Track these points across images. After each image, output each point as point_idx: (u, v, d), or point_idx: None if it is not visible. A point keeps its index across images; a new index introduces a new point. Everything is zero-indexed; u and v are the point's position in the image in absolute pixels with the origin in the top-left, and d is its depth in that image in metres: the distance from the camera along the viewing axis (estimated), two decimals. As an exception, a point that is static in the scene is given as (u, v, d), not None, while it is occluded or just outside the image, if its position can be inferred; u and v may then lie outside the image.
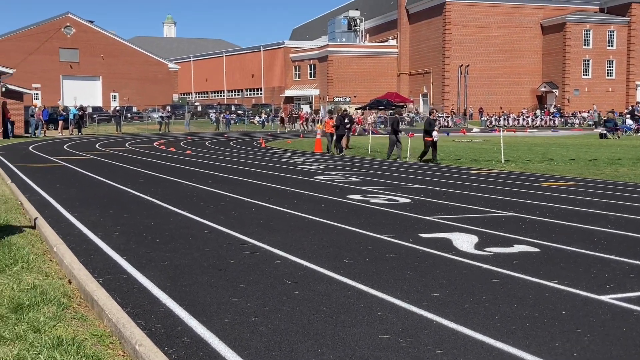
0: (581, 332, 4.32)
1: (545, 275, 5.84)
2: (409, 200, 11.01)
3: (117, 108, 58.08)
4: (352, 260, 6.39)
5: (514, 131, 35.35)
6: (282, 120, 57.31)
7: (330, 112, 29.20)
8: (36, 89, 63.71)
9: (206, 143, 33.71)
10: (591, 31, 77.42)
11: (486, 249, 6.94)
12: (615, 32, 78.04)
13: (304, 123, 60.30)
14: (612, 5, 79.19)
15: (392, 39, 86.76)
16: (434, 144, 21.06)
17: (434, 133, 20.94)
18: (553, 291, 5.32)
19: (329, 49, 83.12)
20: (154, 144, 31.20)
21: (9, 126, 36.51)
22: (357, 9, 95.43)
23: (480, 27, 76.34)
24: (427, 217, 9.16)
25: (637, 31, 77.51)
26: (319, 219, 8.94)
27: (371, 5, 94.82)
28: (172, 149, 27.26)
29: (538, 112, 73.17)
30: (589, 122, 62.60)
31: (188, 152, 25.47)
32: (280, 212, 9.52)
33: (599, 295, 5.17)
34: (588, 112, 70.24)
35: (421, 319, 4.58)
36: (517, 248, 7.05)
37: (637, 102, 60.05)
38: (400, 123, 22.92)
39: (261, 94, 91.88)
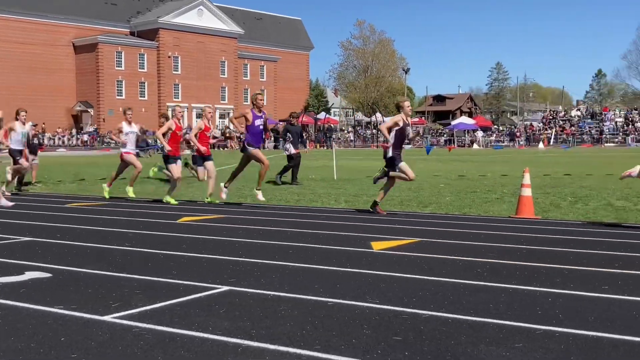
0: (77, 357, 4.25)
1: (52, 301, 5.66)
2: None
3: None
4: None
5: (43, 149, 34.50)
6: None
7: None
8: None
9: None
10: (123, 53, 79.96)
11: (-8, 280, 6.47)
12: (145, 55, 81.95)
13: None
14: (142, 30, 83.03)
15: None
16: None
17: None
18: (56, 317, 5.17)
19: None
20: None
21: None
22: None
23: (5, 41, 72.53)
24: None
25: (165, 55, 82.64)
26: None
27: None
28: None
29: (74, 131, 72.58)
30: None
31: None
32: None
33: (102, 316, 5.19)
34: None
35: None
36: (27, 275, 6.72)
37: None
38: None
39: None
